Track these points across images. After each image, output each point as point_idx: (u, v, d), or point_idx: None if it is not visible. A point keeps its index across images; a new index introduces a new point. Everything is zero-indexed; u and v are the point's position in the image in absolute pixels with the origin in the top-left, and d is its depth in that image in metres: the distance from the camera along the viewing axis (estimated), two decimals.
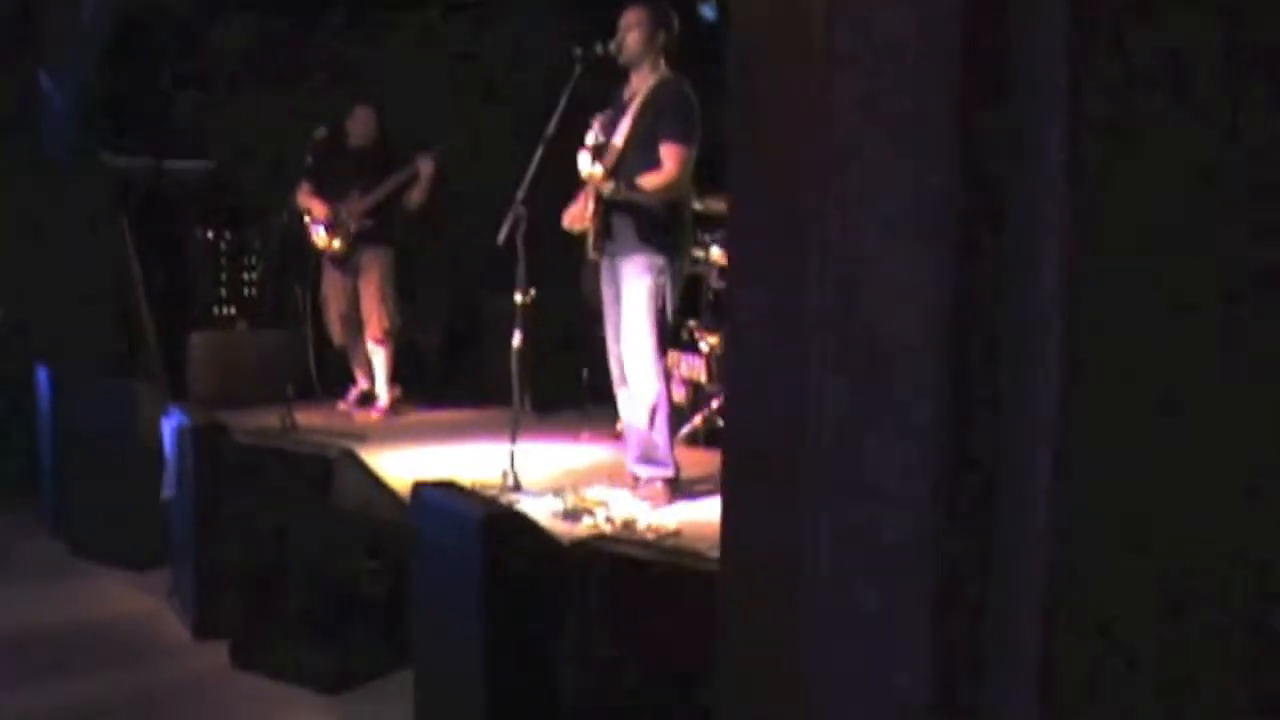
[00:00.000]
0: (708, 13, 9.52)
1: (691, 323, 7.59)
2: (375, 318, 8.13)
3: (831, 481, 1.89)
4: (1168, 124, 1.71)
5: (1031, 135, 1.71)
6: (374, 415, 8.24)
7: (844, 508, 1.88)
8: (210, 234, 8.99)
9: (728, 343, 2.50)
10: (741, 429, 2.21)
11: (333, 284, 8.26)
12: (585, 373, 8.43)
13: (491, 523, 3.81)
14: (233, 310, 9.05)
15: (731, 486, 2.24)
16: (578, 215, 6.01)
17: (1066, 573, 1.75)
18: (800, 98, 1.91)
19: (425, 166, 8.05)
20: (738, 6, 2.13)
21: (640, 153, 5.80)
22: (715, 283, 7.66)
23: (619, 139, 5.84)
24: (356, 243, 8.13)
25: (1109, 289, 1.72)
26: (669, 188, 5.80)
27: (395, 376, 8.37)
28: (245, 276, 9.12)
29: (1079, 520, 1.75)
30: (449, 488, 4.37)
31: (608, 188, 5.80)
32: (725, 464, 2.27)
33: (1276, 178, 1.72)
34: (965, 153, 1.74)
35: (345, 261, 8.19)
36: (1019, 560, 1.77)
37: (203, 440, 5.28)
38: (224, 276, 9.04)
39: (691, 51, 6.24)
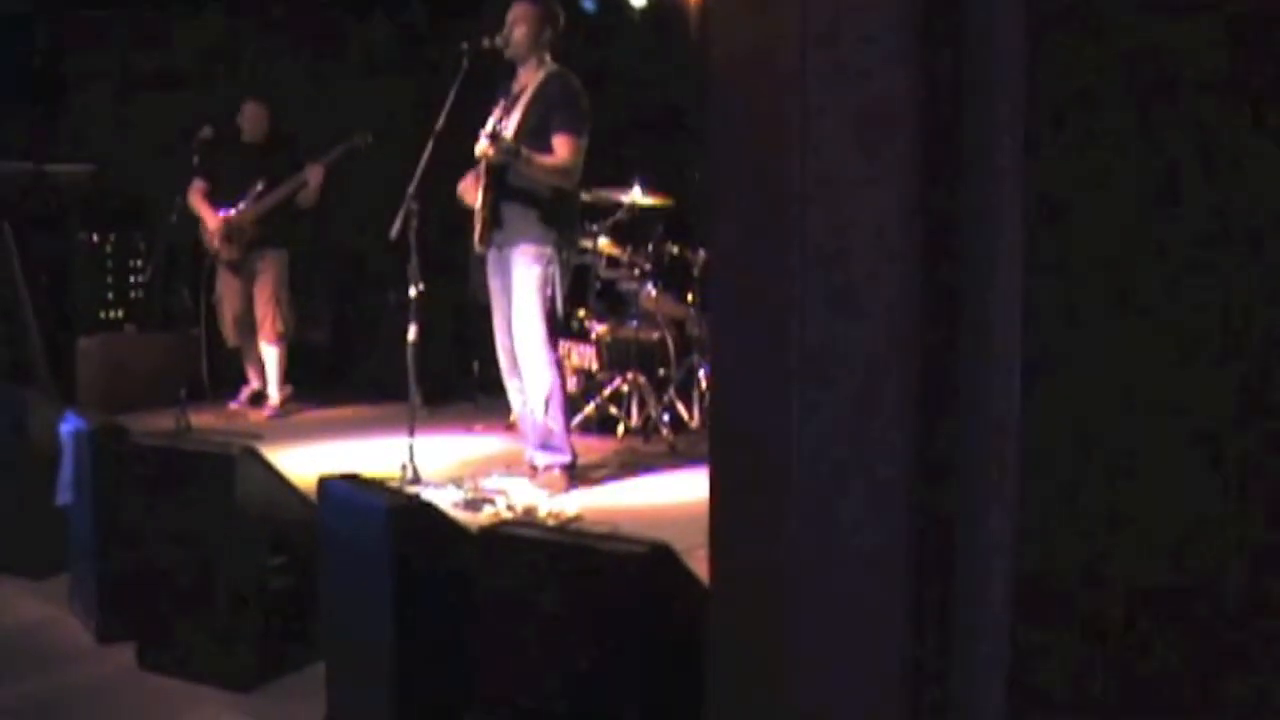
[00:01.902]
0: (588, 5, 9.61)
1: (581, 312, 7.69)
2: (269, 320, 8.14)
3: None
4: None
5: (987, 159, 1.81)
6: (266, 414, 8.26)
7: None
8: (95, 237, 8.88)
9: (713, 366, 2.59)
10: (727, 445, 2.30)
11: (227, 287, 8.25)
12: (476, 365, 8.51)
13: (399, 512, 3.87)
14: (120, 314, 8.96)
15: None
16: (470, 187, 6.03)
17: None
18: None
19: (315, 174, 8.06)
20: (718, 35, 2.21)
21: (531, 144, 5.87)
22: (603, 272, 7.76)
23: (508, 132, 5.90)
24: (250, 247, 8.12)
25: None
26: (561, 172, 5.87)
27: (286, 375, 8.38)
28: (132, 279, 9.02)
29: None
30: (354, 480, 4.42)
31: (498, 151, 5.78)
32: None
33: None
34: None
35: (239, 265, 8.17)
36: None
37: (101, 443, 5.26)
38: (110, 280, 8.95)
39: (572, 43, 6.33)
